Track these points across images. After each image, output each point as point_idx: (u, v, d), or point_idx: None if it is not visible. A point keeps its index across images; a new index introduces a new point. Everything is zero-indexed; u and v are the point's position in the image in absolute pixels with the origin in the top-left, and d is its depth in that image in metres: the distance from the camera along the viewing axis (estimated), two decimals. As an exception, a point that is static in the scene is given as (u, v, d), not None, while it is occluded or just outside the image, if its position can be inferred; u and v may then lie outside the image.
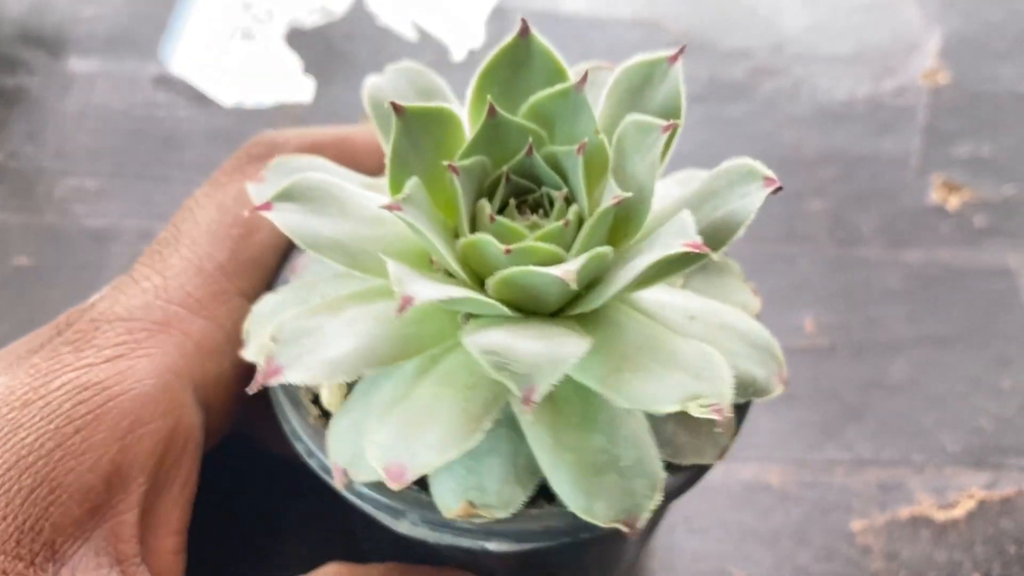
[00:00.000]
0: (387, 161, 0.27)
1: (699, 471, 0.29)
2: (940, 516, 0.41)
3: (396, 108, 0.26)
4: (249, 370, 0.33)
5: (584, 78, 0.27)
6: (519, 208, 0.28)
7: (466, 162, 0.27)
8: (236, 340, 0.31)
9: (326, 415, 0.30)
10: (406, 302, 0.23)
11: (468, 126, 0.28)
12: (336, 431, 0.29)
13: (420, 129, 0.27)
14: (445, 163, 0.27)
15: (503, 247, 0.26)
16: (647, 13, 0.62)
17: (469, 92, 0.28)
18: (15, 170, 0.52)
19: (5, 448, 0.28)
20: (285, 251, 0.34)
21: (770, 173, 0.27)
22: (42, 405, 0.29)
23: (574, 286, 0.25)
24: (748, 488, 0.42)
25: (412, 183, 0.26)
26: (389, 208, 0.25)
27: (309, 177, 0.28)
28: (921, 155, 0.54)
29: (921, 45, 0.59)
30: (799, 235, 0.51)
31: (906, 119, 0.56)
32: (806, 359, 0.46)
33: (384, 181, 0.27)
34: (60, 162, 0.53)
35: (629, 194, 0.26)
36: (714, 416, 0.25)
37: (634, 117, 0.27)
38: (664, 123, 0.26)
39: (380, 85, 0.30)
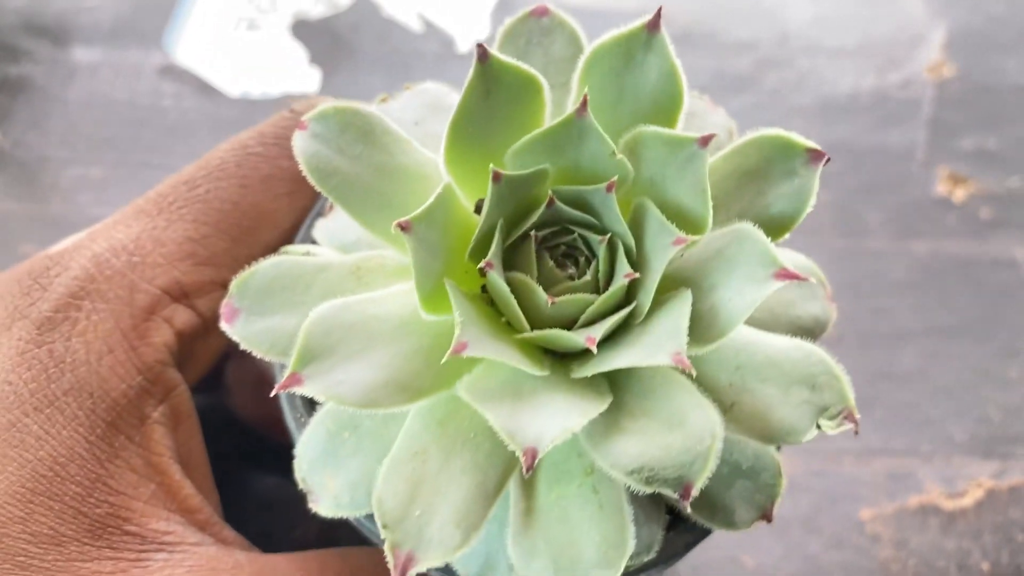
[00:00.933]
0: (415, 282, 0.23)
1: None
2: (949, 505, 0.41)
3: (403, 227, 0.22)
4: (220, 349, 0.34)
5: (584, 104, 0.23)
6: (556, 261, 0.25)
7: (492, 253, 0.24)
8: (212, 326, 0.31)
9: None
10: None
11: (446, 172, 0.25)
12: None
13: (429, 228, 0.23)
14: (480, 265, 0.24)
15: (583, 339, 0.23)
16: (652, 5, 0.61)
17: (442, 145, 0.25)
18: (20, 159, 0.52)
19: (41, 453, 0.28)
20: None
21: (812, 143, 0.24)
22: (55, 412, 0.29)
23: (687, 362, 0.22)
24: (757, 477, 0.42)
25: (457, 307, 0.23)
26: (456, 352, 0.22)
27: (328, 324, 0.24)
28: (927, 147, 0.54)
29: (926, 38, 0.59)
30: (805, 226, 0.50)
31: (911, 111, 0.56)
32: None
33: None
34: (65, 151, 0.52)
35: (697, 238, 0.23)
36: (850, 426, 0.24)
37: (653, 130, 0.24)
38: (697, 136, 0.23)
39: (317, 151, 0.25)
